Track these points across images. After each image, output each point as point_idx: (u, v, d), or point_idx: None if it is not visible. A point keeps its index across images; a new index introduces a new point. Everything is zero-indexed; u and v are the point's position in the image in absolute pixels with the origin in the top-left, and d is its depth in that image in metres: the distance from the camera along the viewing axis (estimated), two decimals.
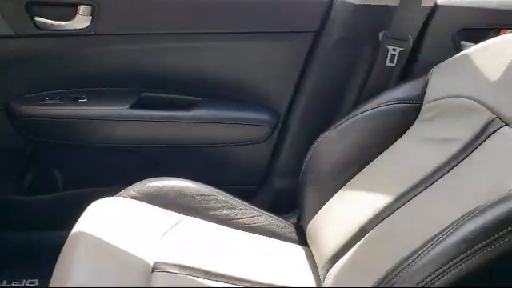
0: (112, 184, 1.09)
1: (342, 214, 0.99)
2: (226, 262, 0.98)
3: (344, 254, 0.92)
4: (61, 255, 0.94)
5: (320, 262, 0.98)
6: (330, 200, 1.03)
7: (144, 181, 1.08)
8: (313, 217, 1.05)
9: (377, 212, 0.90)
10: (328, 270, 0.94)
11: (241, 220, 1.10)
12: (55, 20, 1.12)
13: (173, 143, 1.25)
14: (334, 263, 0.93)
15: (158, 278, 0.89)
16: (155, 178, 1.09)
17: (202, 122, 1.23)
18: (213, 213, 1.08)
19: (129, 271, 0.89)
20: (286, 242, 1.10)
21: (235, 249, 1.03)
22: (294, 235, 1.12)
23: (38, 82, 1.17)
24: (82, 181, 1.26)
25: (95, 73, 1.19)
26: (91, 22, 1.13)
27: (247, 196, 1.15)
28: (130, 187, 1.07)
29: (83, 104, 1.18)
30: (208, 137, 1.26)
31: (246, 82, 1.24)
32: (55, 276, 0.90)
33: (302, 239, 1.10)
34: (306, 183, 1.11)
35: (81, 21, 1.13)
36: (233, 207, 1.11)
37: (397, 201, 0.88)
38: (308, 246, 1.08)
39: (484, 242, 0.62)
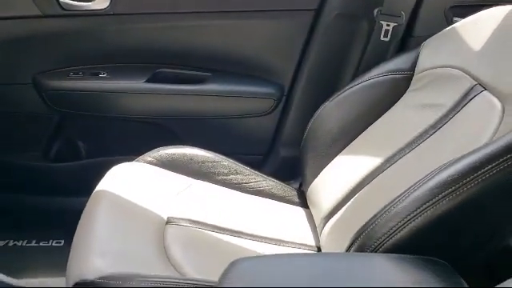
0: (130, 152, 1.19)
1: (337, 176, 1.07)
2: (232, 219, 1.08)
3: (337, 212, 1.01)
4: (84, 211, 1.05)
5: (317, 221, 1.08)
6: (328, 165, 1.12)
7: (158, 148, 1.18)
8: (312, 181, 1.14)
9: (367, 173, 0.99)
10: (323, 228, 1.04)
11: (247, 184, 1.19)
12: (78, 1, 1.23)
13: (184, 115, 1.34)
14: (328, 221, 1.02)
15: (171, 230, 1.00)
16: (168, 146, 1.18)
17: (211, 95, 1.32)
18: (221, 177, 1.18)
19: (145, 224, 1.00)
20: (288, 205, 1.19)
21: (241, 208, 1.13)
22: (295, 198, 1.21)
23: (63, 58, 1.28)
24: (103, 150, 1.36)
25: (114, 50, 1.29)
26: (110, 2, 1.23)
27: (254, 165, 1.24)
28: (146, 154, 1.17)
29: (103, 79, 1.28)
30: (217, 109, 1.35)
31: (252, 57, 1.32)
32: (79, 229, 1.00)
33: (303, 202, 1.19)
34: (307, 151, 1.19)
35: (101, 2, 1.23)
36: (239, 173, 1.20)
37: (386, 162, 0.97)
38: (308, 208, 1.17)
39: (453, 187, 0.70)
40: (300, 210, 1.19)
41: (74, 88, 1.27)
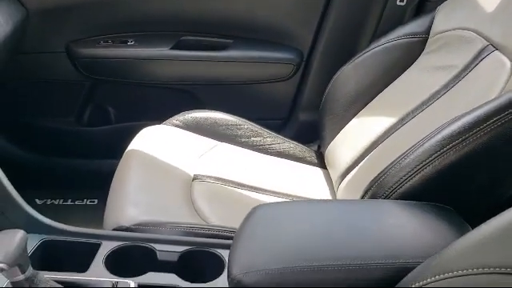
0: (156, 118, 1.26)
1: (353, 137, 1.12)
2: (254, 177, 1.15)
3: (352, 170, 1.06)
4: (117, 169, 1.13)
5: (334, 179, 1.14)
6: (345, 127, 1.17)
7: (184, 112, 1.25)
8: (330, 142, 1.19)
9: (382, 132, 1.03)
10: (339, 185, 1.10)
11: (268, 146, 1.25)
12: None
13: (207, 81, 1.41)
14: (344, 178, 1.08)
15: (197, 186, 1.07)
16: (194, 110, 1.25)
17: (233, 61, 1.38)
18: (243, 140, 1.25)
19: (173, 180, 1.07)
20: (307, 165, 1.26)
21: (262, 168, 1.20)
22: (314, 159, 1.27)
23: (94, 27, 1.34)
24: (131, 115, 1.44)
25: (141, 19, 1.35)
26: None
27: (274, 129, 1.29)
28: (172, 117, 1.24)
29: (131, 46, 1.35)
30: (238, 75, 1.40)
31: (272, 24, 1.37)
32: (114, 184, 1.09)
33: (321, 163, 1.25)
34: (325, 114, 1.24)
35: None
36: (261, 135, 1.26)
37: (399, 122, 1.02)
38: (326, 169, 1.23)
39: (460, 139, 0.75)
40: (318, 170, 1.25)
41: (103, 55, 1.34)
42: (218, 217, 0.98)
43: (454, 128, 0.77)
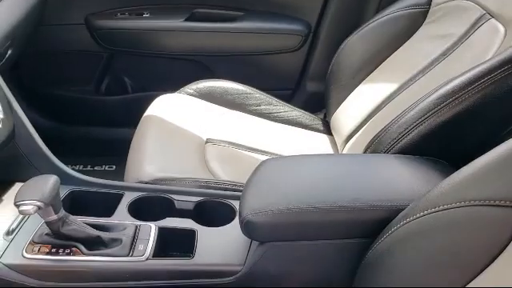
0: (170, 88, 1.32)
1: (357, 104, 1.18)
2: (263, 142, 1.21)
3: (355, 134, 1.13)
4: (135, 133, 1.21)
5: (338, 143, 1.20)
6: (350, 95, 1.23)
7: (197, 81, 1.31)
8: (335, 110, 1.26)
9: (383, 98, 1.09)
10: (343, 149, 1.16)
11: (276, 114, 1.32)
12: None
13: (219, 51, 1.47)
14: (347, 143, 1.15)
15: (210, 149, 1.15)
16: (206, 80, 1.32)
17: (243, 32, 1.44)
18: (253, 108, 1.31)
19: (188, 143, 1.15)
20: (313, 132, 1.32)
21: (271, 134, 1.26)
22: (320, 127, 1.34)
23: (111, 0, 1.41)
24: (146, 85, 1.51)
25: None
26: None
27: (283, 99, 1.36)
28: (185, 86, 1.31)
29: (146, 18, 1.42)
30: (248, 46, 1.47)
31: None
32: (133, 145, 1.16)
33: (327, 130, 1.32)
34: (331, 83, 1.30)
35: None
36: (269, 104, 1.33)
37: (400, 88, 1.07)
38: (332, 135, 1.30)
39: (454, 97, 0.81)
40: (324, 137, 1.31)
41: (120, 27, 1.41)
42: (229, 175, 1.06)
43: (448, 88, 0.83)
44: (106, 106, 1.52)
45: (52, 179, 0.71)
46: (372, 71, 1.21)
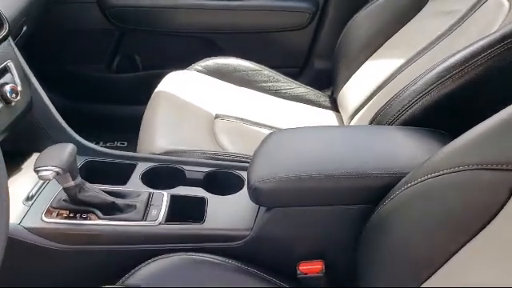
0: (180, 65, 1.35)
1: (364, 80, 1.21)
2: (270, 118, 1.24)
3: (361, 110, 1.15)
4: (146, 109, 1.24)
5: (345, 119, 1.22)
6: (356, 71, 1.25)
7: (206, 59, 1.34)
8: (342, 87, 1.28)
9: (389, 74, 1.11)
10: (349, 124, 1.19)
11: (284, 90, 1.34)
12: None
13: (228, 29, 1.49)
14: (353, 118, 1.17)
15: (219, 123, 1.18)
16: (215, 57, 1.34)
17: (252, 10, 1.46)
18: (261, 85, 1.34)
19: (197, 118, 1.18)
20: (320, 108, 1.35)
21: (278, 110, 1.29)
22: (327, 103, 1.36)
23: None
24: (156, 63, 1.54)
25: None
26: None
27: (291, 77, 1.39)
28: (195, 64, 1.33)
29: None
30: (257, 23, 1.49)
31: None
32: (144, 121, 1.20)
33: (334, 107, 1.34)
34: (338, 59, 1.33)
35: None
36: (277, 80, 1.35)
37: (406, 63, 1.09)
38: (339, 112, 1.32)
39: (457, 70, 0.83)
40: (331, 113, 1.33)
41: (131, 5, 1.44)
42: (237, 148, 1.09)
43: (451, 61, 0.85)
44: (117, 84, 1.55)
45: (69, 147, 0.75)
46: (378, 48, 1.23)
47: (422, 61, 1.06)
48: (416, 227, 0.64)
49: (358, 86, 1.21)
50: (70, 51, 1.51)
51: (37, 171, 0.71)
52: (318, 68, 1.53)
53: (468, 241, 0.58)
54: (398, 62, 1.12)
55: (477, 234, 0.57)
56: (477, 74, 0.82)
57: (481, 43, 0.82)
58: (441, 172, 0.62)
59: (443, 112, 0.85)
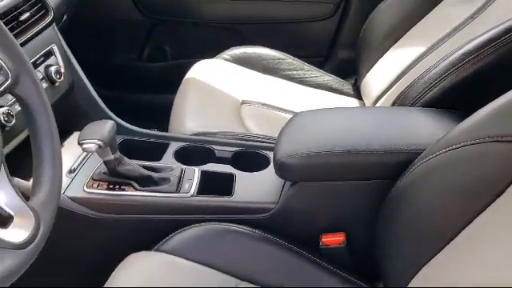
0: (208, 55, 1.41)
1: (386, 67, 1.24)
2: (295, 104, 1.28)
3: (383, 96, 1.18)
4: (177, 95, 1.30)
5: (367, 105, 1.26)
6: (379, 60, 1.29)
7: (233, 48, 1.40)
8: (366, 75, 1.31)
9: (411, 61, 1.14)
10: None
11: (308, 78, 1.39)
12: None
13: (255, 20, 1.54)
14: (376, 104, 1.20)
15: (245, 109, 1.23)
16: (242, 46, 1.40)
17: (278, 1, 1.51)
18: (286, 73, 1.38)
19: (224, 103, 1.23)
20: (344, 96, 1.39)
21: (302, 97, 1.33)
22: (351, 91, 1.40)
23: None
24: (185, 52, 1.60)
25: None
26: None
27: (315, 66, 1.43)
28: (222, 52, 1.39)
29: None
30: (283, 14, 1.54)
31: None
32: (174, 106, 1.26)
33: (358, 95, 1.38)
34: (362, 48, 1.36)
35: None
36: (302, 69, 1.40)
37: (428, 50, 1.12)
38: (362, 100, 1.35)
39: (475, 54, 0.86)
40: (354, 100, 1.37)
41: None
42: (263, 131, 1.13)
43: (469, 46, 0.88)
44: (147, 73, 1.62)
45: (110, 123, 0.81)
46: (401, 36, 1.25)
47: (443, 48, 1.08)
48: (431, 199, 0.68)
49: (381, 74, 1.25)
50: (103, 41, 1.58)
51: (81, 144, 0.77)
52: (341, 57, 1.57)
53: (480, 212, 0.62)
54: (420, 50, 1.15)
55: (488, 205, 0.61)
56: (493, 58, 0.85)
57: (498, 29, 0.85)
58: (458, 145, 0.66)
59: (462, 94, 0.88)
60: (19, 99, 0.56)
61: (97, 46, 1.58)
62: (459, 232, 0.63)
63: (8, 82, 0.53)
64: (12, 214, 0.51)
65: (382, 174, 0.77)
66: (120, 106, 1.64)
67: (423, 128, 0.79)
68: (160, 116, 1.27)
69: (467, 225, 0.62)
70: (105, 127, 0.80)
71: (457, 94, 0.88)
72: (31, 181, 0.60)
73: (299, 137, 0.82)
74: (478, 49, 0.86)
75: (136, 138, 0.98)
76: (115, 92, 1.64)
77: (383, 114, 0.86)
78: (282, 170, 0.79)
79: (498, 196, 0.60)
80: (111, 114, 1.00)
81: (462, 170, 0.65)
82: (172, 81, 1.38)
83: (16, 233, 0.50)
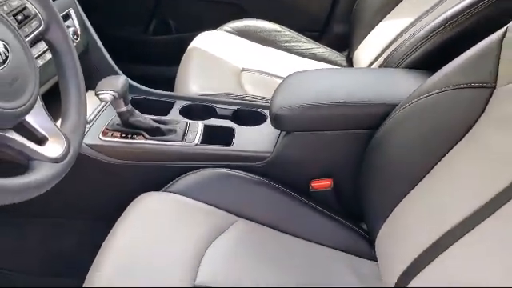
0: (210, 28, 1.49)
1: (377, 39, 1.32)
2: (291, 72, 1.37)
3: (373, 64, 1.27)
4: (181, 64, 1.39)
5: None
6: (370, 32, 1.37)
7: (233, 20, 1.49)
8: (358, 47, 1.40)
9: (399, 31, 1.22)
10: None
11: (304, 50, 1.48)
12: None
13: None
14: None
15: (245, 76, 1.32)
16: (242, 19, 1.49)
17: None
18: (284, 44, 1.47)
19: (225, 70, 1.32)
20: (337, 66, 1.47)
21: (298, 66, 1.40)
22: (344, 62, 1.49)
23: None
24: (188, 26, 1.68)
25: None
26: None
27: (312, 39, 1.51)
28: (224, 25, 1.48)
29: None
30: None
31: None
32: (179, 70, 1.35)
33: (350, 65, 1.46)
34: (354, 24, 1.45)
35: None
36: (298, 41, 1.49)
37: (415, 21, 1.20)
38: None
39: (455, 19, 0.94)
40: None
41: None
42: (261, 95, 1.23)
43: (449, 13, 0.97)
44: (153, 45, 1.71)
45: (123, 78, 0.90)
46: (389, 12, 1.35)
47: (427, 19, 1.17)
48: (404, 145, 0.77)
49: (371, 45, 1.34)
50: (110, 15, 1.66)
51: (98, 94, 0.87)
52: (336, 32, 1.65)
53: (444, 155, 0.70)
54: (407, 22, 1.23)
55: (455, 145, 0.70)
56: (472, 22, 0.94)
57: None
58: (429, 93, 0.75)
59: (442, 56, 0.96)
60: (49, 44, 0.64)
61: (104, 19, 1.65)
62: (426, 174, 0.71)
63: (41, 28, 0.62)
64: (47, 135, 0.60)
65: (364, 124, 0.86)
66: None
67: (401, 84, 0.89)
68: (165, 88, 1.36)
69: (433, 167, 0.71)
70: (118, 81, 0.89)
71: (437, 56, 0.96)
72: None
73: (293, 92, 0.92)
74: (456, 14, 0.95)
75: (145, 97, 1.07)
76: (121, 65, 1.73)
77: (366, 73, 0.95)
78: (277, 121, 0.89)
79: (466, 133, 0.69)
80: (123, 74, 1.08)
81: (437, 113, 0.74)
82: (176, 53, 1.47)
83: (51, 150, 0.59)
